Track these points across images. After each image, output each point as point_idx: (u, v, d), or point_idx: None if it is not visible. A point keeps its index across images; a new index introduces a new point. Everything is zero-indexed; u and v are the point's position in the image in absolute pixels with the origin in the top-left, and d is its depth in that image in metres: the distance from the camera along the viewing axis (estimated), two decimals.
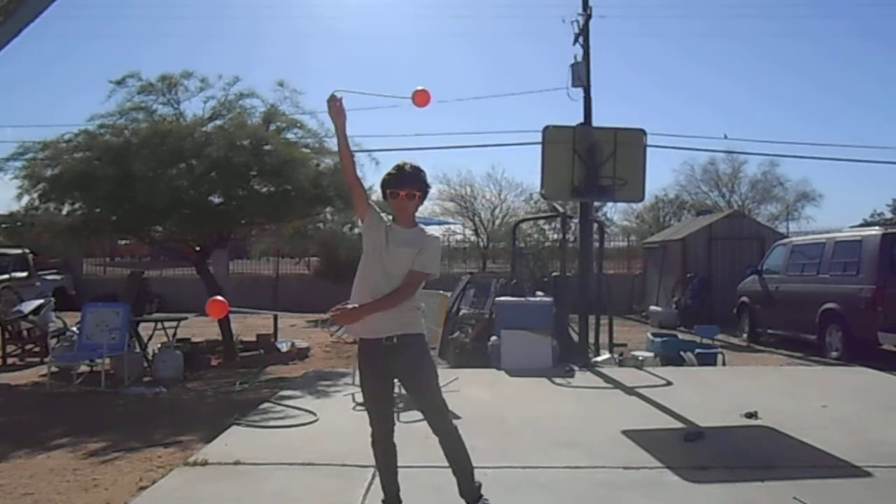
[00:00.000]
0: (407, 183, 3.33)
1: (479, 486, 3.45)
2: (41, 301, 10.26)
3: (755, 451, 4.78)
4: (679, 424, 5.62)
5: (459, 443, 3.39)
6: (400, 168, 3.35)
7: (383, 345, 3.29)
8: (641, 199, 10.40)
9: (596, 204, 18.47)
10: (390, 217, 3.41)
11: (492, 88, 64.68)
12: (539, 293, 10.79)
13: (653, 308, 15.56)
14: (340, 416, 5.88)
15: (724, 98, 52.42)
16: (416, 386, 3.41)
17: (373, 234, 3.34)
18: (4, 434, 5.66)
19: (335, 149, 9.24)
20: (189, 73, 8.86)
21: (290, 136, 8.95)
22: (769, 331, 11.66)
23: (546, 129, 8.77)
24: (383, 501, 3.47)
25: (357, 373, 3.64)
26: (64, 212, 8.51)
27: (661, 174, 44.16)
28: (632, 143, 8.88)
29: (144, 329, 9.22)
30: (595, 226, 10.42)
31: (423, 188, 3.41)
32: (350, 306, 3.22)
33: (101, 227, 8.74)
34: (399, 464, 3.49)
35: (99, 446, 5.22)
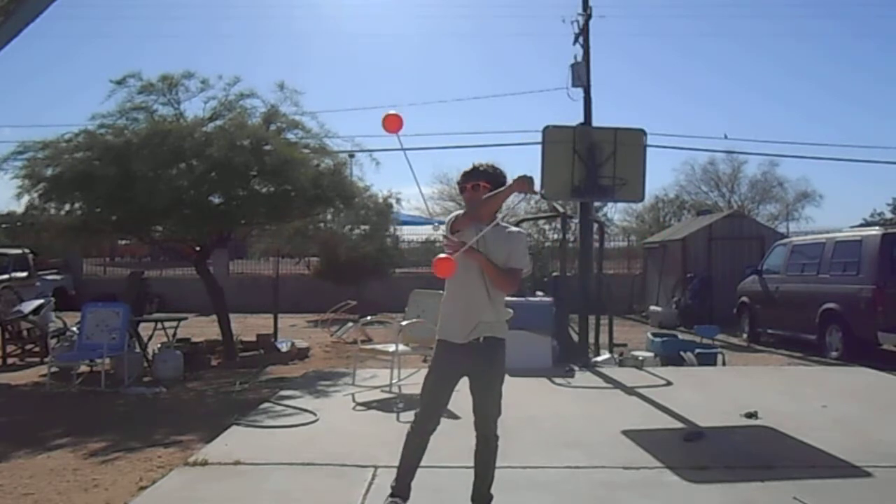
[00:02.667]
0: (471, 177, 3.46)
1: (492, 498, 3.51)
2: (41, 301, 10.24)
3: (755, 451, 4.78)
4: (679, 424, 5.63)
5: (495, 454, 3.50)
6: (473, 166, 3.50)
7: (471, 344, 3.38)
8: (641, 199, 10.40)
9: (596, 204, 18.45)
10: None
11: (492, 88, 64.65)
12: (539, 293, 10.79)
13: (653, 308, 15.55)
14: (340, 416, 5.89)
15: (724, 98, 52.43)
16: (487, 388, 3.48)
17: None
18: (4, 434, 5.65)
19: (335, 149, 9.33)
20: (190, 73, 8.84)
21: (290, 136, 8.94)
22: (769, 331, 11.65)
23: (546, 129, 8.77)
24: (391, 495, 3.45)
25: (427, 368, 3.64)
26: (64, 212, 8.51)
27: (661, 174, 44.19)
28: (632, 143, 8.88)
29: (144, 329, 9.21)
30: (595, 226, 10.42)
31: (489, 178, 3.44)
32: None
33: (102, 227, 8.73)
34: (399, 463, 3.49)
35: (99, 446, 5.21)
